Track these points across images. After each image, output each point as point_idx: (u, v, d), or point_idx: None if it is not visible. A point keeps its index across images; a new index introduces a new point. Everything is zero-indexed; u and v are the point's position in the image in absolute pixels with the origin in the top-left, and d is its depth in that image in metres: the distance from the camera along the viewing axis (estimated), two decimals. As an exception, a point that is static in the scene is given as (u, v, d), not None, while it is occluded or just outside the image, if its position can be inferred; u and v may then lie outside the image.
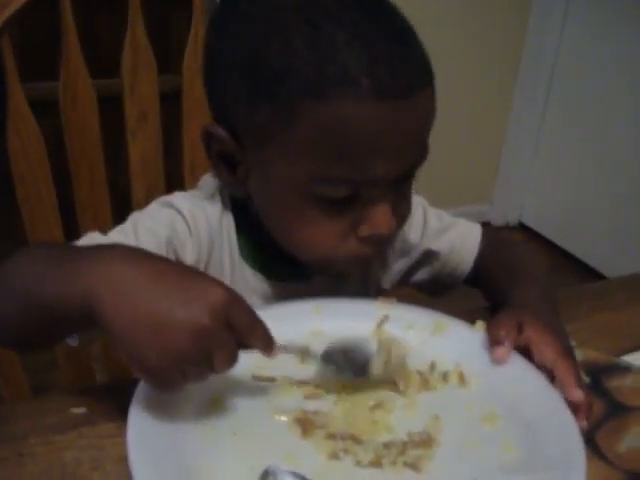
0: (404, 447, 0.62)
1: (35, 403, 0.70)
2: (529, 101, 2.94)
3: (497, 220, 3.14)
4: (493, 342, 0.71)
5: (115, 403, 0.66)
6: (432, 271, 0.95)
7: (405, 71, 0.65)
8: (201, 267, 0.80)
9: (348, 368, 0.69)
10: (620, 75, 2.59)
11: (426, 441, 0.63)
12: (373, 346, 0.70)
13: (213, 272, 0.80)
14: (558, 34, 2.80)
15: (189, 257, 0.78)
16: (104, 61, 1.20)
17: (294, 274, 0.84)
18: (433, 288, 0.98)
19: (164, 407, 0.61)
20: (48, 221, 1.01)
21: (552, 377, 0.68)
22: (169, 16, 2.13)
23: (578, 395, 0.65)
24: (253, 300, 0.82)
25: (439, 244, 0.92)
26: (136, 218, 0.78)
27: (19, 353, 0.97)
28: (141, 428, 0.58)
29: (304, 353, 0.69)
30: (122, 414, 0.58)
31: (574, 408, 0.65)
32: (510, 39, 2.84)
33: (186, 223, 0.78)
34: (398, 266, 0.94)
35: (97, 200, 1.07)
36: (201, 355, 0.56)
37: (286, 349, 0.64)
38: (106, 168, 1.06)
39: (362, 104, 0.63)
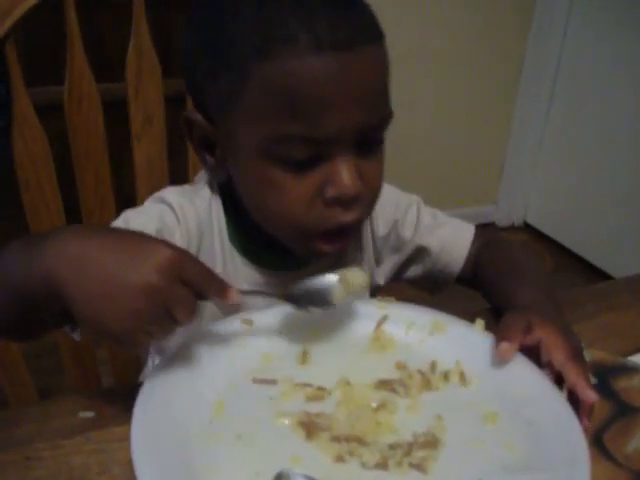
0: (409, 448, 0.62)
1: (42, 407, 0.70)
2: (533, 101, 2.93)
3: (502, 221, 3.13)
4: (499, 339, 0.71)
5: (122, 407, 0.66)
6: (424, 268, 0.96)
7: (345, 25, 0.67)
8: (192, 250, 0.82)
9: (310, 302, 0.70)
10: (624, 75, 2.59)
11: (431, 442, 0.63)
12: (333, 278, 0.71)
13: (205, 260, 0.81)
14: (561, 34, 2.80)
15: (178, 244, 0.79)
16: (109, 65, 1.21)
17: (285, 263, 0.85)
18: (426, 285, 0.99)
19: (168, 412, 0.61)
20: (53, 224, 1.02)
21: (559, 378, 0.68)
22: (173, 20, 2.13)
23: (592, 396, 0.65)
24: (244, 288, 0.84)
25: (430, 240, 0.94)
26: (128, 215, 0.81)
27: (14, 342, 0.97)
28: (145, 433, 0.58)
29: (259, 292, 0.72)
30: (129, 418, 0.58)
31: (577, 407, 0.65)
32: (513, 39, 2.84)
33: (174, 214, 0.81)
34: (391, 261, 0.95)
35: (102, 203, 1.07)
36: (158, 313, 0.57)
37: (243, 295, 0.66)
38: (111, 172, 1.07)
39: (303, 59, 0.66)
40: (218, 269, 0.83)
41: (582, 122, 2.80)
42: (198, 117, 0.77)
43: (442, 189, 2.88)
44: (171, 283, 0.57)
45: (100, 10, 1.71)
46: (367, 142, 0.72)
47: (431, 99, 2.75)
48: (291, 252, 0.81)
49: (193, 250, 0.82)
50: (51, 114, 1.06)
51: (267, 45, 0.66)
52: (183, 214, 0.81)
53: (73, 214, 1.04)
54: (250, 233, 0.83)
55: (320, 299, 0.71)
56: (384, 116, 0.73)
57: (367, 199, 0.75)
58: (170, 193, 0.84)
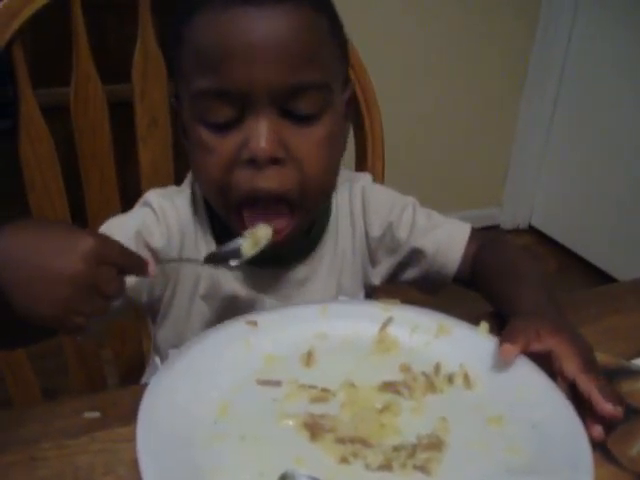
0: (413, 450, 0.62)
1: (47, 407, 0.70)
2: (538, 104, 2.93)
3: (507, 223, 3.13)
4: (503, 342, 0.71)
5: (127, 407, 0.66)
6: (420, 270, 0.96)
7: None
8: (172, 253, 0.84)
9: (226, 260, 0.73)
10: (629, 78, 2.59)
11: (435, 444, 0.63)
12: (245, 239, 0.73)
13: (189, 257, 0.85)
14: (566, 37, 2.79)
15: (157, 242, 0.83)
16: (114, 67, 1.21)
17: (271, 261, 0.85)
18: (424, 286, 0.99)
19: (173, 413, 0.61)
20: (59, 225, 1.02)
21: (573, 387, 0.68)
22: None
23: (609, 409, 0.65)
24: (234, 286, 0.85)
25: (425, 242, 0.93)
26: (111, 221, 0.84)
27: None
28: (150, 434, 0.58)
29: (183, 260, 0.76)
30: (134, 418, 0.58)
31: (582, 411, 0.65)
32: (519, 42, 2.83)
33: (154, 214, 0.83)
34: (387, 263, 0.95)
35: (108, 204, 1.07)
36: (87, 296, 0.59)
37: (165, 261, 0.71)
38: (117, 173, 1.07)
39: (213, 15, 0.70)
40: (204, 267, 0.84)
41: (587, 125, 2.80)
42: (172, 101, 0.82)
43: (447, 191, 2.88)
44: (95, 266, 0.59)
45: (106, 12, 1.71)
46: (293, 110, 0.73)
47: (436, 101, 2.75)
48: (277, 249, 0.80)
49: (175, 248, 0.84)
50: (57, 115, 1.06)
51: (190, 7, 0.72)
52: (163, 214, 0.83)
53: (79, 215, 1.05)
54: (234, 230, 0.83)
55: (234, 255, 0.73)
56: (306, 82, 0.72)
57: (294, 171, 0.74)
58: (152, 195, 0.86)
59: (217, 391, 0.66)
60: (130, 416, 0.61)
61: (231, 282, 0.86)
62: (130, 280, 0.69)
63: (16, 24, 0.90)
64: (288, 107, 0.72)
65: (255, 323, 0.74)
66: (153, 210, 0.84)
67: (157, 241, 0.82)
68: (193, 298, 0.87)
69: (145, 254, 0.77)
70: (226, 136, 0.73)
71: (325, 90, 0.75)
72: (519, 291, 0.83)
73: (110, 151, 1.05)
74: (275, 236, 0.75)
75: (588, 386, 0.67)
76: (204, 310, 0.87)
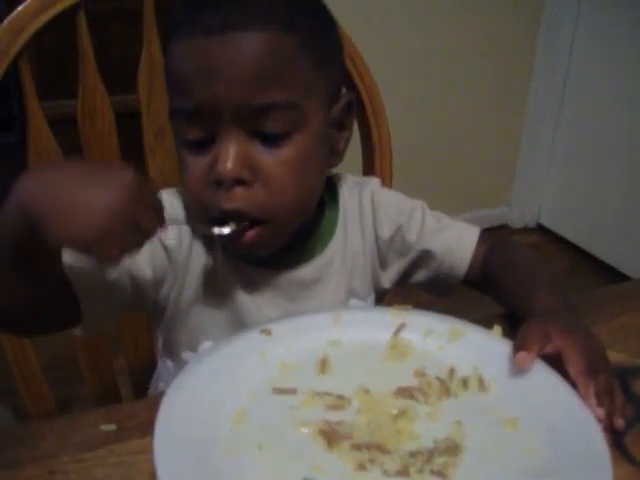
0: (430, 455, 0.62)
1: (65, 420, 0.70)
2: (545, 102, 2.92)
3: (515, 222, 3.12)
4: (517, 348, 0.71)
5: (143, 419, 0.67)
6: (429, 271, 0.96)
7: (221, 13, 0.72)
8: (182, 255, 0.84)
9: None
10: (636, 74, 2.58)
11: (452, 448, 0.63)
12: None
13: (200, 257, 0.86)
14: (570, 35, 2.79)
15: (170, 241, 0.83)
16: (120, 78, 1.21)
17: (279, 261, 0.86)
18: (434, 289, 1.00)
19: (189, 423, 0.62)
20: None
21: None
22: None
23: (598, 415, 0.66)
24: (237, 287, 0.86)
25: (435, 244, 0.94)
26: None
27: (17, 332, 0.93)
28: (167, 445, 0.58)
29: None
30: (151, 430, 0.59)
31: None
32: (524, 40, 2.83)
33: (168, 217, 0.83)
34: (396, 266, 0.96)
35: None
36: (125, 227, 0.60)
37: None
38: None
39: (182, 42, 0.74)
40: (211, 269, 0.86)
41: (594, 122, 2.79)
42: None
43: (455, 192, 2.88)
44: (135, 199, 0.60)
45: (111, 23, 1.72)
46: (261, 131, 0.74)
47: (443, 101, 2.75)
48: (285, 250, 0.84)
49: (185, 246, 0.84)
50: (65, 128, 1.07)
51: (166, 34, 0.77)
52: (174, 211, 0.84)
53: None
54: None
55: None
56: (270, 102, 0.73)
57: (260, 190, 0.75)
58: (163, 195, 0.86)
59: (233, 400, 0.66)
60: (146, 428, 0.61)
61: (242, 283, 0.86)
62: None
63: (22, 39, 0.91)
64: (257, 128, 0.74)
65: (269, 332, 0.74)
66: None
67: (170, 239, 0.83)
68: (205, 299, 0.87)
69: (159, 251, 0.82)
70: (199, 156, 0.76)
71: (294, 110, 0.75)
72: (532, 291, 0.83)
73: (118, 161, 1.05)
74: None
75: (585, 389, 0.68)
76: (216, 311, 0.87)
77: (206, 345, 0.86)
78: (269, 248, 0.81)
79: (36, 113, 0.97)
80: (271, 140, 0.75)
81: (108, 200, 0.59)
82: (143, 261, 0.81)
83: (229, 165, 0.72)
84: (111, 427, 0.68)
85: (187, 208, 0.85)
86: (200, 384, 0.66)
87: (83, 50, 0.98)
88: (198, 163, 0.76)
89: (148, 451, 0.57)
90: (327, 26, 0.82)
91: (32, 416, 1.04)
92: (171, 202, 0.86)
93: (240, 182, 0.74)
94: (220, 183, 0.73)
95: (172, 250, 0.83)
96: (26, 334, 0.92)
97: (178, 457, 0.58)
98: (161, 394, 0.63)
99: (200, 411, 0.63)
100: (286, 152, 0.75)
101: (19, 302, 0.70)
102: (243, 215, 0.75)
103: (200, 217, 0.80)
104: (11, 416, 1.73)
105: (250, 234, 0.76)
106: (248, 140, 0.74)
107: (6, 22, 0.90)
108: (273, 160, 0.75)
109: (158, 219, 0.64)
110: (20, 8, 0.91)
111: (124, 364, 1.14)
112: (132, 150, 1.10)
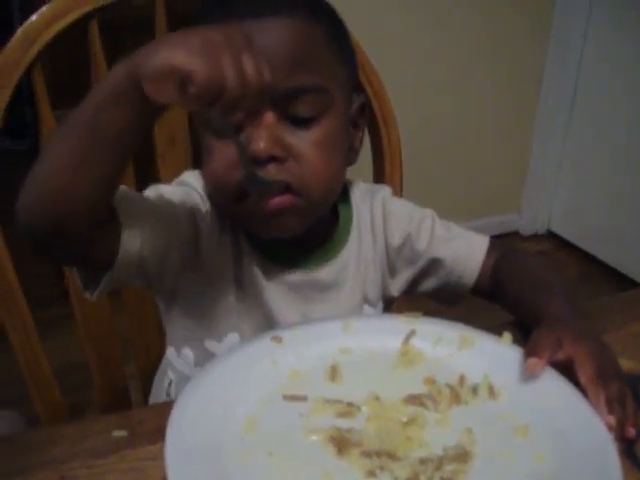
0: (440, 462, 0.62)
1: (76, 426, 0.70)
2: (555, 108, 2.92)
3: (526, 229, 3.11)
4: (528, 354, 0.71)
5: (155, 425, 0.67)
6: (439, 280, 0.96)
7: (252, 2, 0.77)
8: (214, 241, 0.84)
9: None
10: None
11: (461, 455, 0.63)
12: None
13: (224, 249, 0.86)
14: (581, 40, 2.78)
15: (206, 224, 0.83)
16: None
17: (297, 261, 0.88)
18: (442, 297, 1.00)
19: (200, 430, 0.62)
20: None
21: None
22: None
23: (608, 422, 0.65)
24: (261, 283, 0.86)
25: (444, 251, 0.95)
26: (157, 186, 0.85)
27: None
28: (178, 451, 0.59)
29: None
30: (162, 436, 0.59)
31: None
32: (533, 50, 2.83)
33: (198, 193, 0.85)
34: (405, 274, 0.96)
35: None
36: (232, 48, 0.58)
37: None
38: (137, 190, 1.07)
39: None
40: (234, 265, 0.86)
41: (605, 128, 2.78)
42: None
43: (465, 198, 2.88)
44: (242, 39, 0.59)
45: (123, 33, 1.73)
46: (292, 114, 0.77)
47: (453, 107, 2.75)
48: (303, 251, 0.86)
49: (216, 233, 0.85)
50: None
51: (197, 20, 0.75)
52: (205, 194, 0.85)
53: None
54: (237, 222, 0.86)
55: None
56: (302, 85, 0.76)
57: (294, 166, 0.77)
58: (191, 177, 0.88)
59: (244, 407, 0.66)
60: (157, 434, 0.62)
61: (265, 279, 0.87)
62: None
63: (35, 49, 0.92)
64: (287, 111, 0.76)
65: (280, 339, 0.75)
66: (196, 190, 0.86)
67: (204, 218, 0.84)
68: (231, 290, 0.87)
69: (193, 232, 0.82)
70: (228, 140, 0.76)
71: (323, 94, 0.78)
72: (543, 298, 0.83)
73: (130, 169, 1.06)
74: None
75: (595, 396, 0.67)
76: (240, 304, 0.87)
77: (233, 336, 0.87)
78: (293, 226, 0.82)
79: (48, 120, 0.97)
80: (300, 122, 0.77)
81: (217, 29, 0.59)
82: (185, 229, 0.81)
83: (262, 144, 0.74)
84: (122, 433, 0.68)
85: (209, 196, 0.86)
86: (211, 391, 0.67)
87: (95, 59, 0.99)
88: (226, 147, 0.77)
89: (159, 457, 0.57)
90: (342, 26, 0.86)
91: (44, 422, 1.04)
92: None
93: (273, 159, 0.76)
94: (256, 160, 0.75)
95: (205, 235, 0.83)
96: (59, 248, 0.76)
97: (189, 464, 0.58)
98: (171, 403, 0.64)
99: (211, 418, 0.63)
100: (315, 133, 0.78)
101: (88, 192, 0.66)
102: (278, 183, 0.77)
103: (223, 202, 0.82)
104: (22, 422, 1.74)
105: (283, 197, 0.78)
106: (279, 122, 0.76)
107: (20, 32, 0.91)
108: (303, 140, 0.78)
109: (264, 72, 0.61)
110: (33, 18, 0.91)
111: (135, 369, 1.15)
112: (143, 156, 1.10)
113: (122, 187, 0.74)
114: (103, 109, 0.61)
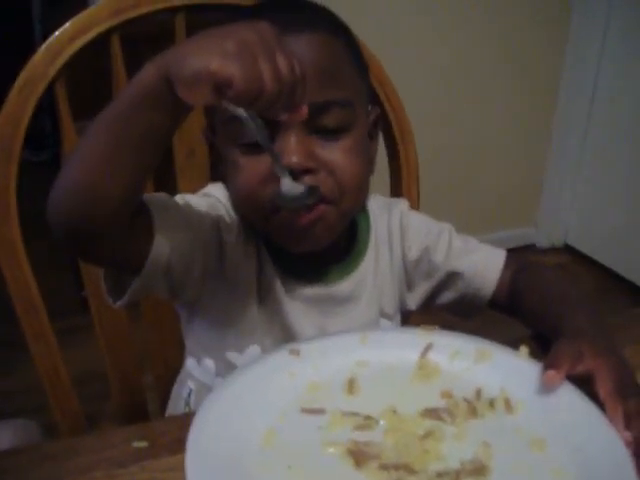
0: (457, 476, 0.62)
1: (97, 437, 0.71)
2: (571, 121, 2.91)
3: (542, 242, 3.10)
4: (547, 366, 0.71)
5: (175, 436, 0.68)
6: (456, 293, 0.97)
7: (278, 19, 0.72)
8: (238, 253, 0.85)
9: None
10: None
11: (479, 469, 0.63)
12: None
13: (247, 262, 0.87)
14: (597, 54, 2.78)
15: (232, 236, 0.84)
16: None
17: (317, 275, 0.89)
18: (459, 310, 1.00)
19: (220, 441, 0.62)
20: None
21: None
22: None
23: (625, 437, 0.65)
24: (282, 297, 0.87)
25: (462, 264, 0.95)
26: (184, 195, 0.86)
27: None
28: (198, 463, 0.59)
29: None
30: (182, 447, 0.60)
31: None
32: (549, 60, 2.83)
33: (222, 204, 0.86)
34: (423, 287, 0.97)
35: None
36: (266, 49, 0.58)
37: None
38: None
39: None
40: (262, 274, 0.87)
41: (621, 140, 2.77)
42: (207, 130, 0.88)
43: (482, 212, 2.88)
44: (274, 38, 0.59)
45: (144, 47, 1.75)
46: (320, 127, 0.78)
47: (469, 121, 2.75)
48: (324, 262, 0.87)
49: (242, 241, 0.86)
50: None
51: None
52: (229, 205, 0.87)
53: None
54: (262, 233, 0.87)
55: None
56: (331, 99, 0.78)
57: (327, 176, 0.79)
58: (215, 189, 0.89)
59: (263, 419, 0.67)
60: (178, 445, 0.62)
61: (286, 293, 0.88)
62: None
63: (58, 64, 0.93)
64: (315, 124, 0.77)
65: (298, 352, 0.75)
66: (220, 201, 0.87)
67: (229, 229, 0.85)
68: (253, 303, 0.88)
69: (217, 244, 0.83)
70: (255, 155, 0.78)
71: (349, 107, 0.80)
72: (563, 311, 0.83)
73: (149, 181, 1.07)
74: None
75: (613, 411, 0.67)
76: (262, 317, 0.88)
77: (254, 349, 0.88)
78: (325, 237, 0.83)
79: (70, 134, 0.99)
80: (329, 134, 0.79)
81: (248, 25, 0.59)
82: (209, 240, 0.82)
83: (294, 157, 0.76)
84: (143, 444, 0.68)
85: (236, 210, 0.87)
86: (231, 403, 0.67)
87: (116, 73, 1.00)
88: (254, 163, 0.78)
89: (179, 468, 0.58)
90: (356, 40, 0.88)
91: (62, 431, 1.05)
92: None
93: (307, 172, 0.77)
94: (290, 172, 0.76)
95: (229, 247, 0.84)
96: (89, 246, 0.75)
97: (209, 475, 0.58)
98: (191, 414, 0.64)
99: (231, 430, 0.64)
100: (344, 143, 0.80)
101: (122, 187, 0.67)
102: (313, 191, 0.77)
103: (254, 217, 0.83)
104: (39, 431, 1.75)
105: (317, 210, 0.79)
106: (307, 136, 0.78)
107: (43, 47, 0.93)
108: (333, 151, 0.79)
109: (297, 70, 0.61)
110: (56, 34, 0.93)
111: (152, 380, 1.15)
112: (163, 169, 1.11)
113: (161, 194, 0.76)
114: (133, 108, 0.63)
